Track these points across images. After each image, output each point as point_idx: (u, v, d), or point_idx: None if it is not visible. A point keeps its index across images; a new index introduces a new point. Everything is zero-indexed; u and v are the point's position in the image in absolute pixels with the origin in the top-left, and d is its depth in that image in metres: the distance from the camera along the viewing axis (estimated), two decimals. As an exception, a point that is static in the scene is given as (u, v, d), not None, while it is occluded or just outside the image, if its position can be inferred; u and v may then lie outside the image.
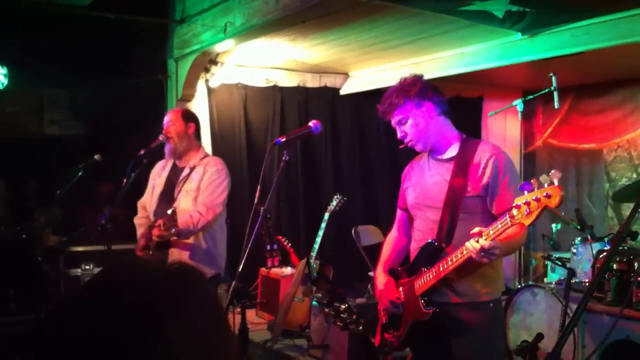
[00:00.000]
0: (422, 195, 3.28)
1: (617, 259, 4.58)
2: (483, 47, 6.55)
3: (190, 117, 4.67)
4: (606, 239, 5.12)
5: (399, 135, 3.24)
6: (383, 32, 6.26)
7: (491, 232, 2.81)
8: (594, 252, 4.92)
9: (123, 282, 0.99)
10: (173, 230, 4.21)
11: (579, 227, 5.18)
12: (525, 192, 2.64)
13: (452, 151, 3.23)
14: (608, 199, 7.88)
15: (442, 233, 3.12)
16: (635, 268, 4.49)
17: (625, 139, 7.76)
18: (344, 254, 7.65)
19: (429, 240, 3.16)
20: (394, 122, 3.25)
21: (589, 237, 5.13)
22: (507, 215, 2.72)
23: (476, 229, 2.88)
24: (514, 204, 2.67)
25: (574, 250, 5.24)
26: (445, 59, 6.99)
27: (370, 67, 8.04)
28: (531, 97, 5.86)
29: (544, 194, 2.57)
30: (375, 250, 6.99)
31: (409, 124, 3.19)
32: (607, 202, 7.93)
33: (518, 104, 5.77)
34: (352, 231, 6.55)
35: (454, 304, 3.11)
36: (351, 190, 8.01)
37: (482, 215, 3.11)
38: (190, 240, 4.38)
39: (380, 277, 3.42)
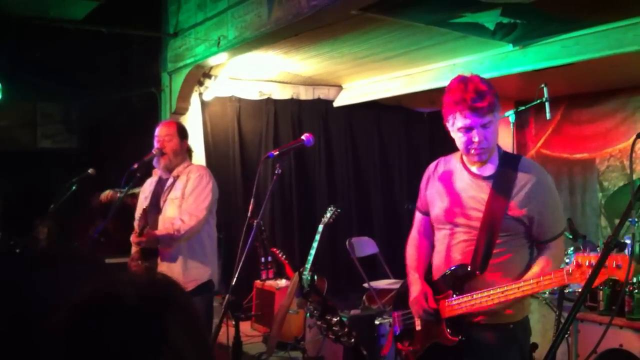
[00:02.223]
0: (454, 209, 3.02)
1: (610, 269, 4.60)
2: (475, 59, 6.59)
3: (185, 134, 4.70)
4: (598, 249, 5.13)
5: (475, 139, 2.85)
6: (375, 45, 6.29)
7: (543, 283, 2.65)
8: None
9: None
10: (146, 231, 4.23)
11: (571, 237, 5.19)
12: (589, 251, 2.49)
13: (490, 167, 2.98)
14: (601, 208, 7.91)
15: (478, 258, 2.91)
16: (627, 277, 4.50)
17: (617, 148, 7.80)
18: (338, 266, 7.67)
19: (462, 264, 2.96)
20: (479, 122, 2.83)
21: (582, 246, 5.15)
22: (565, 272, 2.55)
23: (521, 283, 2.74)
24: (575, 261, 2.49)
25: (567, 260, 5.25)
26: (437, 70, 7.03)
27: (363, 79, 8.07)
28: (523, 108, 5.88)
29: (614, 264, 2.38)
30: (369, 262, 7.02)
31: (491, 132, 2.87)
32: (600, 211, 7.96)
33: (510, 114, 5.78)
34: (347, 242, 6.56)
35: (482, 325, 2.94)
36: (345, 202, 8.04)
37: (520, 238, 2.94)
38: (177, 248, 4.39)
39: (415, 284, 3.16)
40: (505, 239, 2.90)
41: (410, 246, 3.35)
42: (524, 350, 3.07)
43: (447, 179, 3.10)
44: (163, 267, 4.41)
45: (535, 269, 2.87)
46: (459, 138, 2.92)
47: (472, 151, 2.89)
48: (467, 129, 2.85)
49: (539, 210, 2.87)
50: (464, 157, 3.06)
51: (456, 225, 3.01)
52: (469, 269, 2.93)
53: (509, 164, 2.96)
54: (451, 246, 3.03)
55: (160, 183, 4.62)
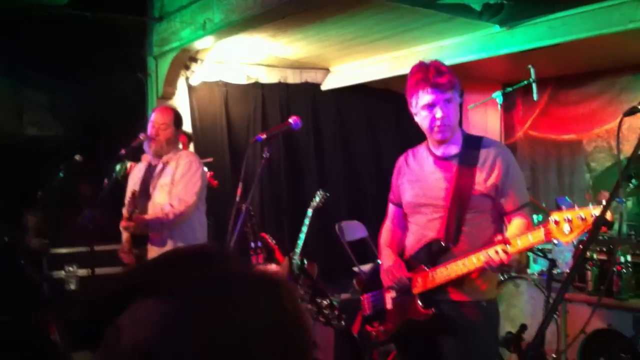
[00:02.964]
0: (423, 192, 3.17)
1: (598, 249, 4.64)
2: (462, 40, 6.58)
3: (180, 122, 4.69)
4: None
5: (438, 114, 3.02)
6: (362, 27, 6.27)
7: (519, 243, 2.73)
8: (575, 242, 4.97)
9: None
10: (134, 215, 4.21)
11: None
12: (564, 208, 2.57)
13: (454, 148, 3.14)
14: (589, 189, 7.94)
15: (450, 233, 3.04)
16: (615, 257, 4.55)
17: (604, 129, 7.83)
18: (328, 250, 7.67)
19: (435, 239, 3.07)
20: (441, 98, 3.01)
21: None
22: (542, 229, 2.63)
23: (499, 237, 2.84)
24: (553, 219, 2.58)
25: (555, 241, 5.28)
26: (425, 52, 7.01)
27: (350, 62, 8.05)
28: (510, 89, 5.89)
29: (591, 214, 2.47)
30: (359, 246, 7.03)
31: (454, 108, 3.06)
32: (589, 192, 7.99)
33: (497, 96, 5.80)
34: (336, 227, 6.56)
35: (455, 302, 3.03)
36: (334, 186, 8.03)
37: (489, 214, 3.08)
38: (167, 236, 4.38)
39: (388, 257, 3.29)
40: (474, 214, 3.04)
41: (383, 233, 3.48)
42: (496, 330, 3.20)
43: (416, 167, 3.28)
44: (153, 254, 4.40)
45: (511, 232, 2.98)
46: (423, 118, 3.10)
47: (436, 128, 3.06)
48: (431, 106, 3.03)
49: (503, 181, 3.02)
50: (429, 142, 3.24)
51: (426, 206, 3.15)
52: (442, 243, 3.04)
53: (471, 143, 3.13)
54: (423, 225, 3.15)
55: (150, 169, 4.61)
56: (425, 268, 3.05)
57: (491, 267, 2.81)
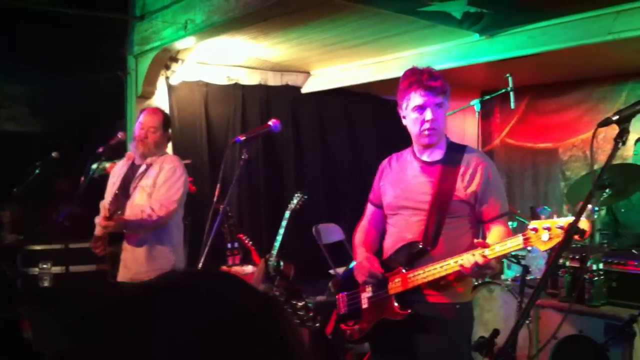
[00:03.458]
0: (404, 195, 3.20)
1: (570, 256, 4.70)
2: (442, 48, 6.63)
3: (169, 125, 4.68)
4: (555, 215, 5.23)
5: (428, 117, 3.06)
6: (344, 32, 6.29)
7: (497, 249, 2.76)
8: (549, 250, 5.02)
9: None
10: (116, 216, 4.21)
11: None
12: (543, 217, 2.62)
13: (438, 154, 3.19)
14: (563, 197, 8.04)
15: (428, 236, 3.07)
16: (587, 265, 4.61)
17: (580, 138, 7.93)
18: (305, 252, 7.67)
19: (414, 241, 3.10)
20: (433, 101, 3.06)
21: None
22: (521, 236, 2.66)
23: (479, 240, 2.86)
24: (530, 227, 2.60)
25: (529, 248, 5.33)
26: (406, 58, 7.05)
27: (331, 66, 8.07)
28: (488, 97, 5.96)
29: (557, 225, 2.52)
30: (336, 248, 7.04)
31: (443, 113, 3.12)
32: (563, 200, 8.09)
33: (476, 103, 5.86)
34: (313, 229, 6.57)
35: (431, 303, 3.06)
36: (313, 189, 8.03)
37: (467, 219, 3.13)
38: (144, 235, 4.37)
39: (361, 252, 3.33)
40: (453, 219, 3.08)
41: (358, 232, 3.52)
42: (469, 334, 3.26)
43: (399, 170, 3.31)
44: (127, 254, 4.39)
45: (491, 239, 2.99)
46: (412, 120, 3.13)
47: (425, 132, 3.10)
48: (422, 108, 3.07)
49: (483, 190, 3.07)
50: (415, 146, 3.27)
51: (407, 209, 3.18)
52: (420, 246, 3.07)
53: (455, 150, 3.18)
54: (402, 227, 3.19)
55: (132, 168, 4.59)
56: (403, 269, 3.07)
57: (468, 272, 2.84)
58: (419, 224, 3.11)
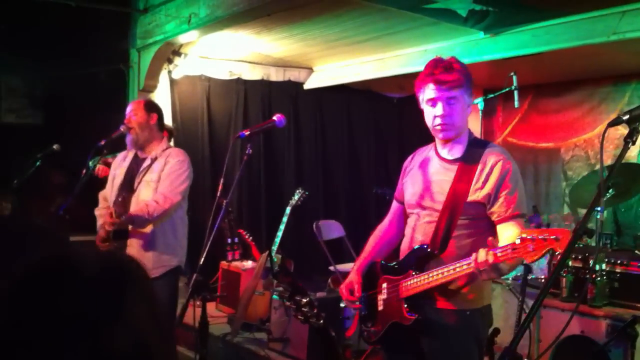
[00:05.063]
0: (422, 193, 3.10)
1: (573, 256, 4.69)
2: (446, 45, 6.60)
3: (152, 108, 4.63)
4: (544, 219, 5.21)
5: (439, 111, 2.96)
6: (348, 28, 6.28)
7: (488, 257, 2.62)
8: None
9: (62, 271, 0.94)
10: (124, 217, 4.21)
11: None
12: (532, 225, 2.53)
13: (458, 151, 3.05)
14: (565, 197, 8.02)
15: (437, 239, 2.97)
16: (590, 265, 4.60)
17: (582, 138, 7.90)
18: (304, 248, 7.67)
19: (422, 245, 3.01)
20: (445, 95, 2.95)
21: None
22: (510, 247, 2.56)
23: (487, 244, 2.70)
24: (519, 237, 2.51)
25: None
26: (409, 55, 7.04)
27: (334, 62, 8.05)
28: (492, 95, 5.93)
29: (553, 236, 2.41)
30: (335, 245, 7.03)
31: (458, 109, 2.97)
32: (564, 200, 8.07)
33: (479, 102, 5.83)
34: (314, 226, 6.55)
35: (439, 309, 2.98)
36: (313, 185, 8.03)
37: (484, 221, 2.96)
38: (149, 230, 4.35)
39: (352, 272, 3.30)
40: (466, 221, 2.96)
41: (373, 235, 3.45)
42: (480, 339, 3.10)
43: (421, 167, 3.19)
44: (133, 250, 4.37)
45: (501, 243, 2.84)
46: (426, 114, 3.05)
47: (437, 127, 3.00)
48: (433, 102, 2.97)
49: (497, 190, 2.91)
50: (436, 142, 3.16)
51: (423, 208, 3.09)
52: (428, 250, 2.99)
53: (475, 148, 3.04)
54: (416, 228, 3.10)
55: (136, 161, 4.57)
56: (413, 273, 3.00)
57: (472, 275, 2.77)
58: (431, 225, 3.02)
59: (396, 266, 3.15)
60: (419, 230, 3.08)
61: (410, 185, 3.21)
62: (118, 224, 4.26)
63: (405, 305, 3.01)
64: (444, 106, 2.95)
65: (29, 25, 6.51)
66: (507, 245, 2.59)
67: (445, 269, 2.84)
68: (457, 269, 2.79)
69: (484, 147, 3.04)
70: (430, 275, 2.90)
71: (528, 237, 2.48)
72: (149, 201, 4.27)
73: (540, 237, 2.44)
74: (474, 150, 3.03)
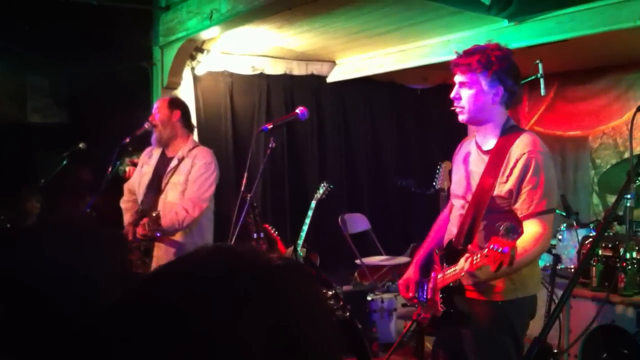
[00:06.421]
0: (459, 182, 3.11)
1: (603, 245, 4.62)
2: (469, 35, 6.53)
3: (176, 105, 4.65)
4: (591, 225, 5.15)
5: (452, 95, 3.01)
6: (369, 20, 6.23)
7: (447, 273, 2.87)
8: (579, 238, 4.96)
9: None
10: (157, 235, 4.24)
11: (564, 214, 5.20)
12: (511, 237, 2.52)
13: (491, 141, 3.01)
14: (593, 186, 7.93)
15: (462, 233, 2.97)
16: (621, 254, 4.53)
17: (610, 126, 7.79)
18: (329, 242, 7.66)
19: (449, 241, 3.09)
20: (458, 79, 2.99)
21: (575, 223, 5.16)
22: (481, 254, 2.60)
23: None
24: (489, 246, 2.51)
25: (560, 237, 5.27)
26: (431, 46, 6.98)
27: (356, 55, 8.01)
28: (517, 84, 5.85)
29: (499, 249, 2.44)
30: (361, 238, 7.02)
31: (470, 93, 2.95)
32: (592, 189, 7.98)
33: (504, 91, 5.76)
34: (339, 219, 6.54)
35: (468, 299, 3.01)
36: (336, 178, 8.01)
37: (511, 215, 2.90)
38: (178, 237, 4.38)
39: (410, 267, 3.35)
40: (494, 214, 2.91)
41: (435, 224, 3.47)
42: (515, 331, 3.02)
43: (464, 158, 3.19)
44: (160, 251, 4.38)
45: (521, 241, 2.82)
46: None
47: (453, 110, 3.05)
48: (456, 85, 3.04)
49: (519, 185, 2.85)
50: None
51: (459, 199, 3.11)
52: (452, 245, 3.03)
53: (507, 139, 2.95)
54: (452, 220, 3.14)
55: (163, 161, 4.58)
56: (446, 265, 3.04)
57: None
58: (460, 218, 3.02)
59: (444, 256, 3.17)
60: (453, 221, 3.12)
61: (455, 177, 3.22)
62: (149, 237, 4.28)
63: (440, 298, 3.05)
64: (456, 89, 3.01)
65: (52, 25, 6.56)
66: (481, 253, 2.61)
67: (452, 269, 2.93)
68: (458, 270, 2.87)
69: (516, 137, 2.94)
70: (452, 269, 2.96)
71: (491, 247, 2.50)
72: (178, 209, 4.26)
73: (492, 247, 2.47)
74: (506, 140, 2.95)
